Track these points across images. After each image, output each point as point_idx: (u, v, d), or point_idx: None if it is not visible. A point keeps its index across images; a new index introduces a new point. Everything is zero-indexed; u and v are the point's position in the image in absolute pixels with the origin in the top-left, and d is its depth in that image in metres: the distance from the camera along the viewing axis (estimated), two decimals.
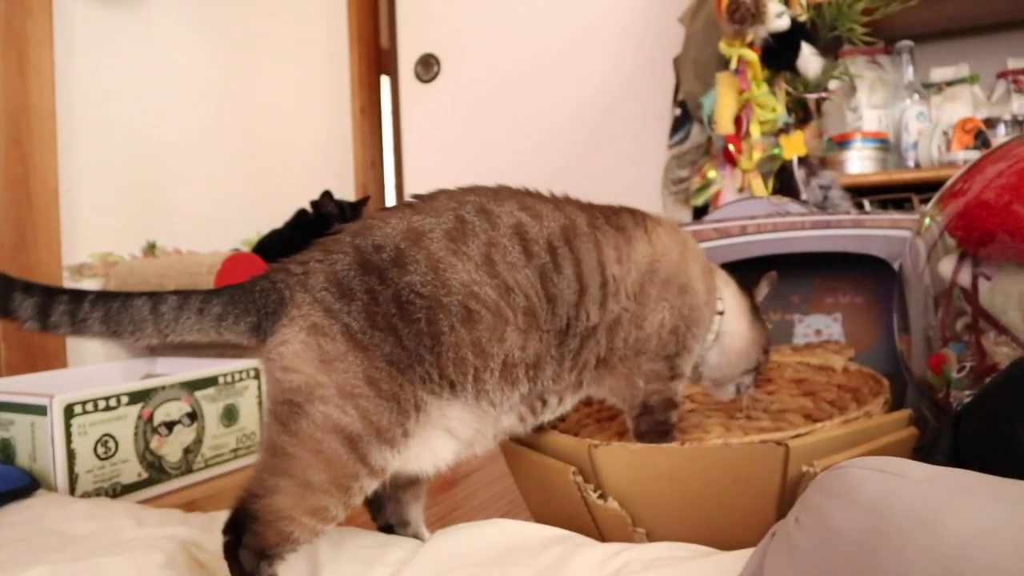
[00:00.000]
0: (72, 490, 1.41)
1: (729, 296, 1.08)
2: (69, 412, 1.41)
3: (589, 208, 1.00)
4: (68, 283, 1.91)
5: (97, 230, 2.00)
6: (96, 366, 1.90)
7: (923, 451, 0.76)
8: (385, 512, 0.99)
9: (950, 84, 2.13)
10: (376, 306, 0.81)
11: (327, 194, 2.29)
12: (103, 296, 0.80)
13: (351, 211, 2.32)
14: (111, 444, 1.49)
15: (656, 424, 1.01)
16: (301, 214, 2.32)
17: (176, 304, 0.81)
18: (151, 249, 2.12)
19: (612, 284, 0.95)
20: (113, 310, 0.80)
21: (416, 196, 0.92)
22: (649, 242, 1.00)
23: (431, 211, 0.89)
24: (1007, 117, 1.99)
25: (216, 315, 0.82)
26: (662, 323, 0.99)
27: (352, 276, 0.82)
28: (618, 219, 1.00)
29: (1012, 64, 2.12)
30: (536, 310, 0.89)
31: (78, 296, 0.79)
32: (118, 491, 1.50)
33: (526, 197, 0.96)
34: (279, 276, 0.84)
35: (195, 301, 0.82)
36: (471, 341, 0.85)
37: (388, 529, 0.99)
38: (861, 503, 0.48)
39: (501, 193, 0.95)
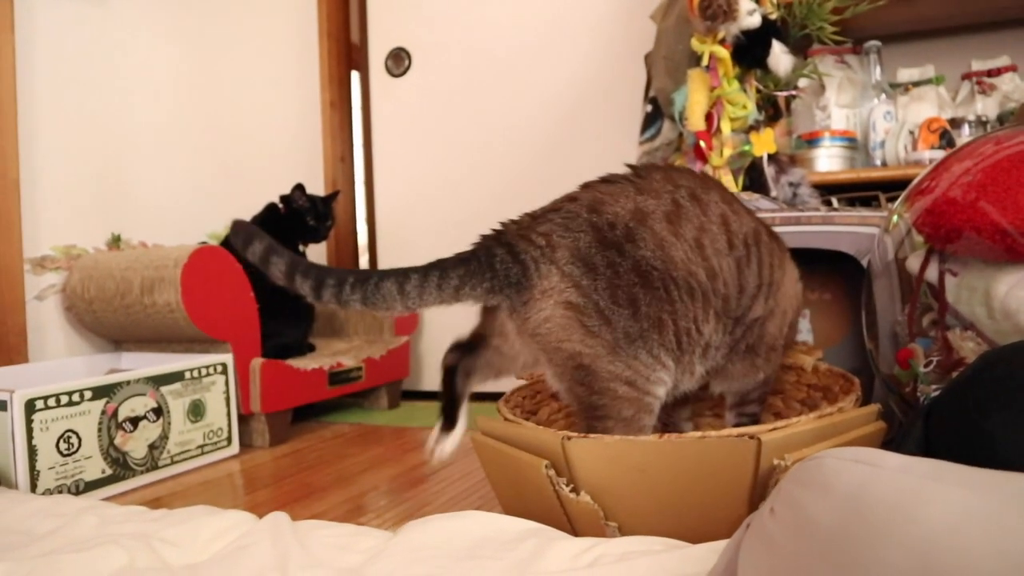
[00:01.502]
0: (33, 487, 1.39)
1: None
2: (30, 407, 1.38)
3: (760, 219, 1.13)
4: (29, 277, 1.86)
5: (60, 222, 1.95)
6: (59, 361, 1.86)
7: (893, 444, 0.76)
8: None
9: (916, 84, 2.16)
10: (618, 279, 0.94)
11: (299, 187, 2.27)
12: (360, 279, 0.93)
13: (322, 205, 2.30)
14: (74, 440, 1.46)
15: (760, 404, 1.18)
16: (271, 208, 2.30)
17: (418, 283, 0.93)
18: (115, 242, 2.08)
19: (774, 285, 1.08)
20: (368, 291, 0.93)
21: (634, 171, 1.04)
22: (792, 262, 1.16)
23: (651, 192, 1.00)
24: (971, 118, 2.01)
25: (454, 286, 0.93)
26: (790, 323, 1.15)
27: (594, 252, 0.94)
28: (777, 238, 1.15)
29: (976, 66, 2.15)
30: (730, 298, 1.02)
31: (341, 279, 0.94)
32: (81, 488, 1.47)
33: (724, 191, 1.08)
34: (521, 246, 0.95)
35: (433, 277, 0.93)
36: (694, 315, 0.98)
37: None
38: (837, 493, 0.48)
39: (707, 181, 1.07)
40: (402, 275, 0.93)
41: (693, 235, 0.98)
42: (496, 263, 0.94)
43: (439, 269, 0.94)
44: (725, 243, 1.01)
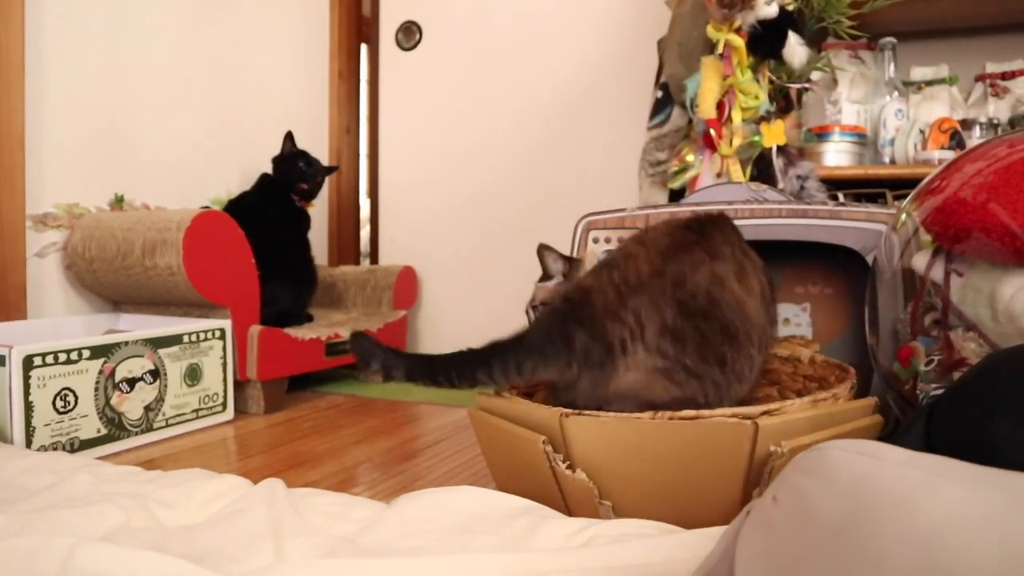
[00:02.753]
0: (29, 443, 1.39)
1: None
2: (28, 363, 1.38)
3: None
4: (30, 233, 1.86)
5: (63, 180, 1.94)
6: (58, 319, 1.86)
7: (891, 440, 0.76)
8: None
9: (929, 84, 2.14)
10: (706, 341, 0.98)
11: (288, 135, 2.30)
12: (460, 374, 1.01)
13: (321, 173, 2.33)
14: (70, 398, 1.46)
15: None
16: (263, 178, 2.31)
17: (501, 368, 0.99)
18: (118, 202, 2.08)
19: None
20: (472, 379, 1.01)
21: (690, 227, 1.10)
22: None
23: (720, 256, 1.05)
24: (983, 119, 2.01)
25: (530, 368, 1.00)
26: None
27: (680, 322, 0.98)
28: None
29: (990, 68, 2.14)
30: (772, 339, 1.11)
31: (447, 376, 1.01)
32: (76, 446, 1.47)
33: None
34: (609, 326, 0.99)
35: (512, 363, 1.00)
36: (753, 363, 1.04)
37: None
38: (840, 484, 0.48)
39: (735, 227, 1.14)
40: (488, 366, 1.00)
41: (758, 289, 1.06)
42: (576, 346, 0.99)
43: (516, 355, 1.00)
44: (768, 292, 1.09)
